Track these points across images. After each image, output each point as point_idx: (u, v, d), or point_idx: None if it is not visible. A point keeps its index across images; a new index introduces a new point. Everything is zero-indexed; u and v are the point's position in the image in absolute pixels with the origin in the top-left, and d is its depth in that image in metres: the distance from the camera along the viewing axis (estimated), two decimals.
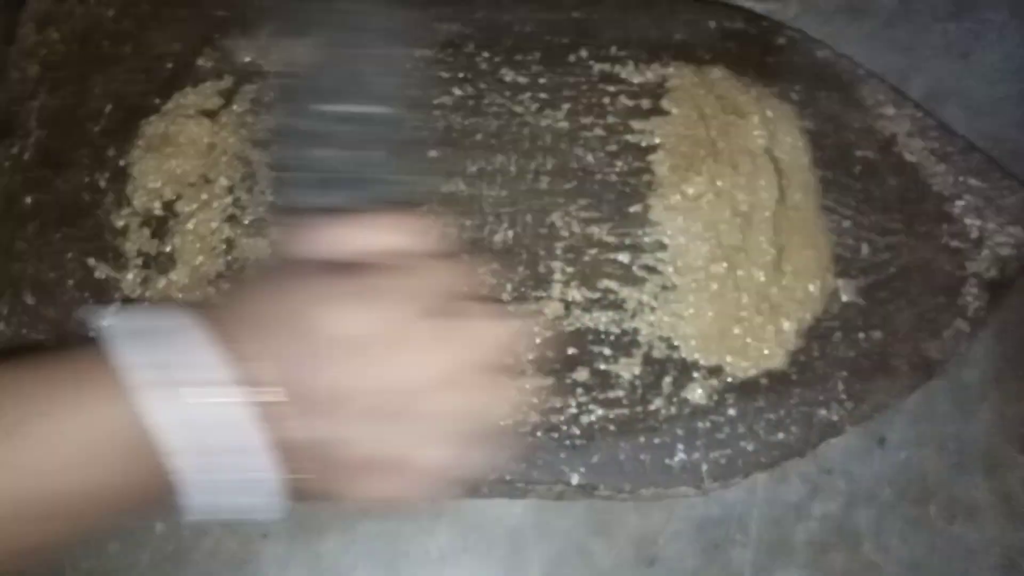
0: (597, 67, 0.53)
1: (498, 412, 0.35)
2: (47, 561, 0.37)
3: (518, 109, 0.52)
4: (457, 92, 0.52)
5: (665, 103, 0.53)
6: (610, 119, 0.52)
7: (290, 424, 0.31)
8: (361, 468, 0.33)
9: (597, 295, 0.49)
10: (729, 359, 0.48)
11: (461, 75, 0.53)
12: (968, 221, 0.52)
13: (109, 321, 0.33)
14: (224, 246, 0.49)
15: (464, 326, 0.34)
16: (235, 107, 0.52)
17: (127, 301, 0.48)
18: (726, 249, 0.50)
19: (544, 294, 0.49)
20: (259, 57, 0.53)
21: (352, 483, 0.33)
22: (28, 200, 0.49)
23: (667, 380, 0.48)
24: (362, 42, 0.43)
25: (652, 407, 0.47)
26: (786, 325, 0.49)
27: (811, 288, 0.50)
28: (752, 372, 0.48)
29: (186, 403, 0.31)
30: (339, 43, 0.43)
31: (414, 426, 0.33)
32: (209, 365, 0.31)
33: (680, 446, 0.47)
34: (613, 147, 0.52)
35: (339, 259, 0.35)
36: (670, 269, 0.49)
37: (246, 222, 0.50)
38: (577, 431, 0.47)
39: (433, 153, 0.51)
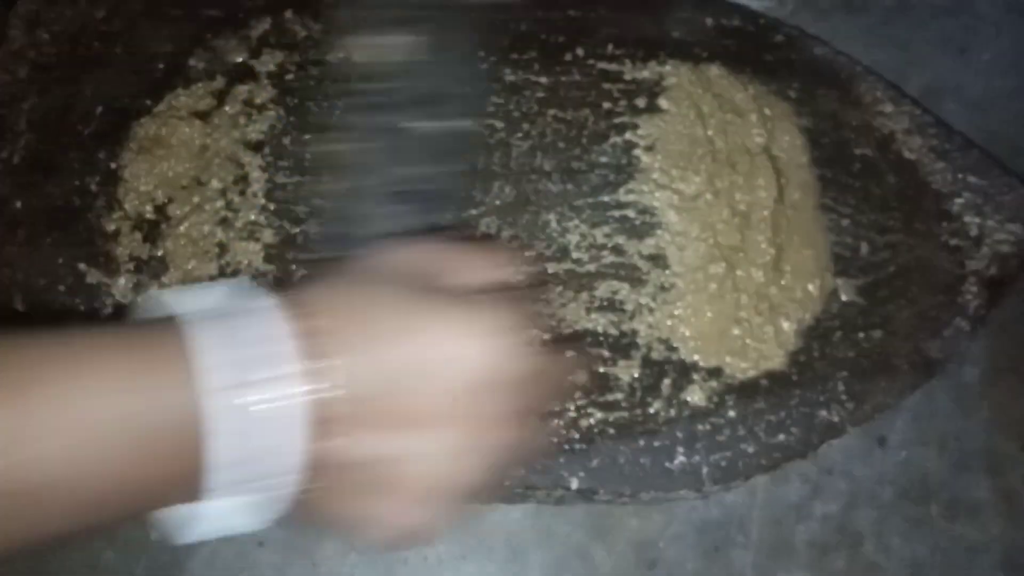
0: (594, 65, 0.53)
1: (533, 450, 0.34)
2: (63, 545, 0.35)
3: (514, 108, 0.52)
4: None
5: (662, 101, 0.52)
6: (607, 118, 0.52)
7: (337, 433, 0.29)
8: (371, 491, 0.31)
9: (595, 297, 0.49)
10: (728, 360, 0.48)
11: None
12: (967, 219, 0.52)
13: (184, 302, 0.31)
14: (217, 250, 0.48)
15: (550, 364, 0.33)
16: (227, 108, 0.51)
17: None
18: (724, 249, 0.49)
19: (541, 295, 0.49)
20: (251, 57, 0.52)
21: (355, 505, 0.32)
22: (18, 204, 0.48)
23: (666, 382, 0.47)
24: (449, 52, 0.41)
25: (651, 410, 0.47)
26: (786, 325, 0.49)
27: (810, 288, 0.49)
28: (752, 373, 0.48)
29: (251, 405, 0.28)
30: (425, 51, 0.41)
31: (474, 456, 0.32)
32: (284, 358, 0.29)
33: (680, 449, 0.47)
34: (610, 146, 0.51)
35: (433, 273, 0.33)
36: (668, 270, 0.49)
37: (239, 225, 0.49)
38: (576, 435, 0.46)
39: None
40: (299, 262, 0.48)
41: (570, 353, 0.34)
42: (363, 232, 0.39)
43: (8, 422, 0.27)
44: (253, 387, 0.28)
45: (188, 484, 0.29)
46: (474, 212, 0.50)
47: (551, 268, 0.49)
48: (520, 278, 0.35)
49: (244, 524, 0.31)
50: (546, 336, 0.34)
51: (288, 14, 0.53)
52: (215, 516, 0.30)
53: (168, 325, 0.29)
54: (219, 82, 0.52)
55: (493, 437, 0.32)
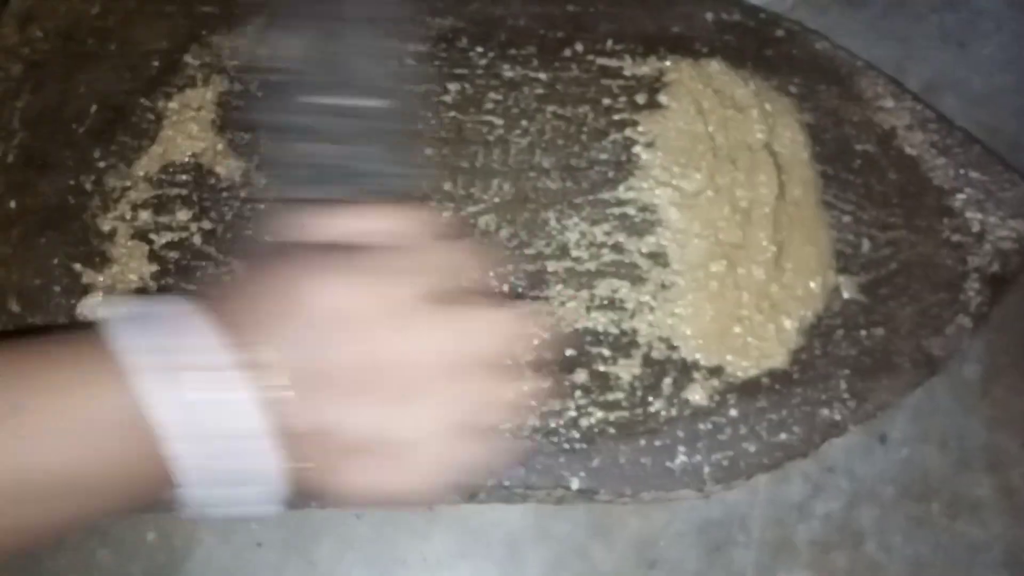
0: (593, 61, 0.52)
1: (498, 411, 0.35)
2: (47, 547, 0.36)
3: (513, 105, 0.51)
4: (451, 87, 0.51)
5: (662, 97, 0.52)
6: (606, 114, 0.51)
7: (291, 409, 0.31)
8: (358, 455, 0.32)
9: (595, 295, 0.48)
10: (730, 359, 0.48)
11: (454, 70, 0.52)
12: (969, 215, 0.52)
13: (108, 308, 0.32)
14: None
15: (468, 314, 0.33)
16: (223, 104, 0.51)
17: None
18: (725, 247, 0.49)
19: (541, 293, 0.48)
20: (248, 52, 0.52)
21: (348, 473, 0.32)
22: (12, 204, 0.48)
23: (667, 381, 0.47)
24: (354, 34, 0.42)
25: (652, 409, 0.47)
26: (787, 323, 0.48)
27: (812, 285, 0.49)
28: (753, 372, 0.48)
29: (186, 389, 0.30)
30: (331, 35, 0.42)
31: (414, 413, 0.32)
32: (211, 349, 0.30)
33: (681, 448, 0.46)
34: (610, 143, 0.51)
35: (331, 243, 0.34)
36: (669, 268, 0.49)
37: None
38: (576, 434, 0.46)
39: (428, 149, 0.50)
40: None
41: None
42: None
43: None
44: (181, 371, 0.30)
45: (157, 473, 0.30)
46: (472, 209, 0.49)
47: (551, 266, 0.49)
48: (427, 232, 0.35)
49: (251, 503, 0.32)
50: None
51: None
52: (218, 500, 0.32)
53: (97, 331, 0.31)
54: (215, 78, 0.51)
55: (441, 385, 0.33)
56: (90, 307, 0.33)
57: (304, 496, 0.34)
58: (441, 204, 0.49)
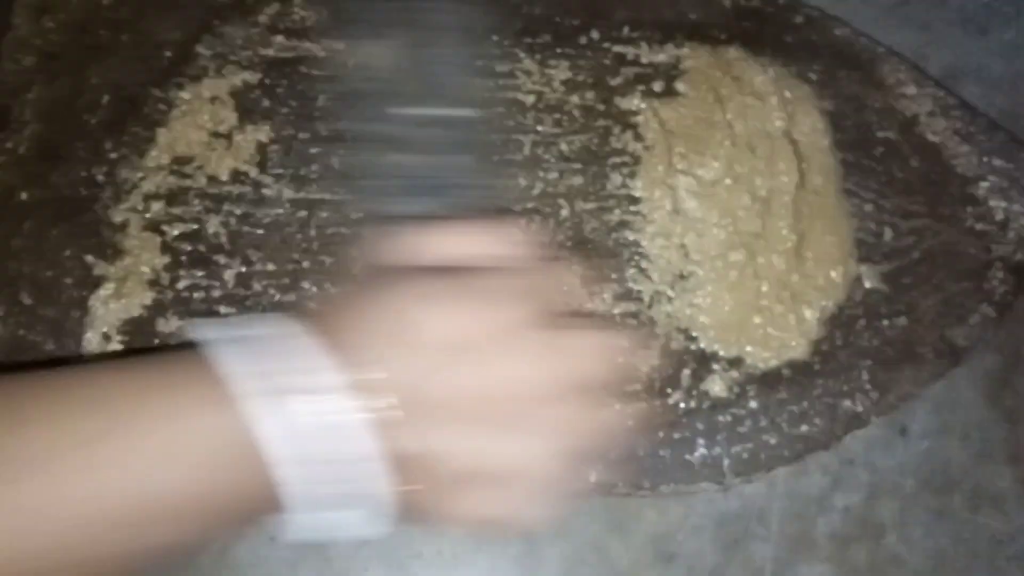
0: (609, 49, 0.52)
1: (604, 436, 0.34)
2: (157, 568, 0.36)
3: (529, 93, 0.51)
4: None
5: (680, 85, 0.51)
6: (623, 102, 0.51)
7: (402, 433, 0.30)
8: (467, 481, 0.32)
9: (612, 285, 0.48)
10: (749, 350, 0.47)
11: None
12: (993, 203, 0.51)
13: (213, 330, 0.32)
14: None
15: (574, 338, 0.33)
16: (236, 95, 0.50)
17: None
18: (744, 236, 0.48)
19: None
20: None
21: (456, 499, 0.32)
22: (24, 196, 0.48)
23: (686, 372, 0.47)
24: (440, 42, 0.42)
25: (671, 401, 0.46)
26: (808, 314, 0.48)
27: (833, 275, 0.48)
28: (773, 363, 0.47)
29: (295, 412, 0.30)
30: (417, 44, 0.41)
31: (523, 440, 0.32)
32: (319, 371, 0.30)
33: (701, 441, 0.46)
34: (626, 131, 0.50)
35: (434, 265, 0.34)
36: (687, 258, 0.48)
37: None
38: None
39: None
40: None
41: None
42: (375, 224, 0.39)
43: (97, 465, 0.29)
44: (290, 394, 0.30)
45: (265, 498, 0.30)
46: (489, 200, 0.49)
47: (563, 251, 0.48)
48: (527, 252, 0.35)
49: (356, 527, 0.32)
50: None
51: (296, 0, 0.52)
52: (324, 525, 0.32)
53: (195, 354, 0.31)
54: (228, 70, 0.51)
55: (550, 412, 0.32)
56: (194, 328, 0.32)
57: (409, 520, 0.33)
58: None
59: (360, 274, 0.35)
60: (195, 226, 0.48)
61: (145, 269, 0.47)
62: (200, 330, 0.32)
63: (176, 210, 0.48)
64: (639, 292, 0.48)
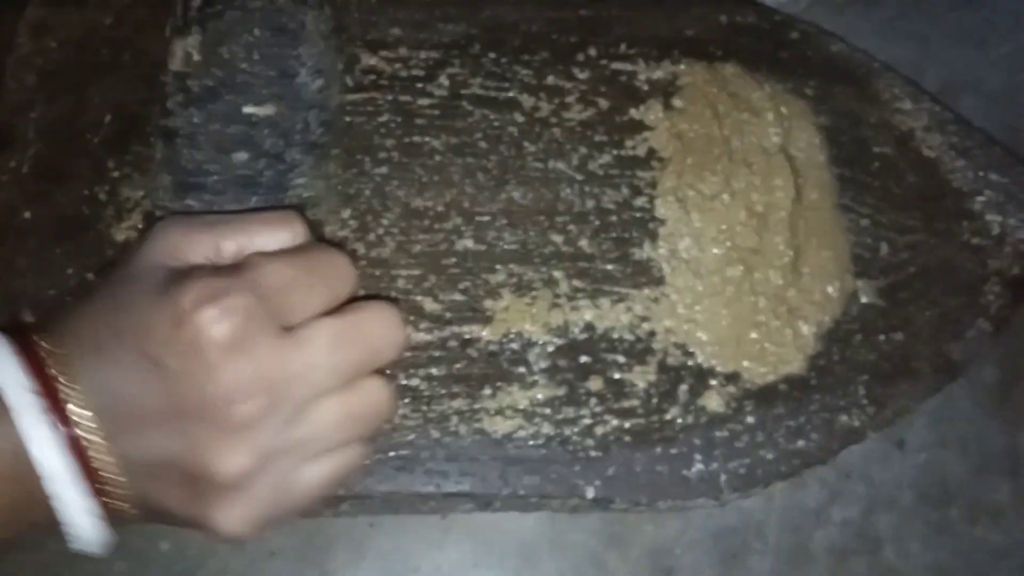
0: (607, 66, 0.52)
1: (382, 417, 0.35)
2: None
3: (526, 110, 0.51)
4: (464, 93, 0.51)
5: (677, 101, 0.51)
6: (620, 118, 0.51)
7: (103, 447, 0.31)
8: (233, 487, 0.32)
9: (608, 300, 0.48)
10: (746, 365, 0.47)
11: (467, 76, 0.51)
12: (989, 217, 0.51)
13: None
14: None
15: (358, 324, 0.33)
16: None
17: None
18: (741, 251, 0.48)
19: (555, 300, 0.48)
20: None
21: (220, 507, 0.32)
22: (27, 215, 0.48)
23: (683, 388, 0.47)
24: (281, 43, 0.42)
25: (668, 416, 0.46)
26: (804, 329, 0.48)
27: (830, 290, 0.49)
28: (770, 378, 0.47)
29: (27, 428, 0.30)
30: (265, 45, 0.42)
31: (303, 437, 0.32)
32: (17, 388, 0.31)
33: (698, 456, 0.46)
34: (624, 147, 0.51)
35: (223, 262, 0.34)
36: (684, 273, 0.48)
37: None
38: (591, 442, 0.46)
39: (438, 157, 0.50)
40: None
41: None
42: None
43: None
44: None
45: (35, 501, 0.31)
46: (485, 219, 0.49)
47: (563, 271, 0.48)
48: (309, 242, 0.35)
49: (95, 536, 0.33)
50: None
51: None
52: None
53: None
54: None
55: (338, 399, 0.33)
56: None
57: (188, 526, 0.34)
58: (449, 214, 0.49)
59: (114, 275, 0.36)
60: None
61: None
62: None
63: None
64: (636, 307, 0.48)
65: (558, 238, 0.49)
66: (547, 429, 0.46)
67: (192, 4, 0.44)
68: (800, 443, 0.47)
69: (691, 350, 0.47)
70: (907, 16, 0.58)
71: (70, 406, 0.31)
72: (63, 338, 0.33)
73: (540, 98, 0.51)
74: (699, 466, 0.46)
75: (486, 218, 0.49)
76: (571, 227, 0.49)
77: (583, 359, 0.47)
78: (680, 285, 0.48)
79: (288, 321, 0.32)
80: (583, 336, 0.47)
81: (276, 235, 0.35)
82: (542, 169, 0.50)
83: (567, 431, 0.46)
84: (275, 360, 0.31)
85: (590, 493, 0.45)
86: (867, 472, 0.49)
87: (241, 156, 0.41)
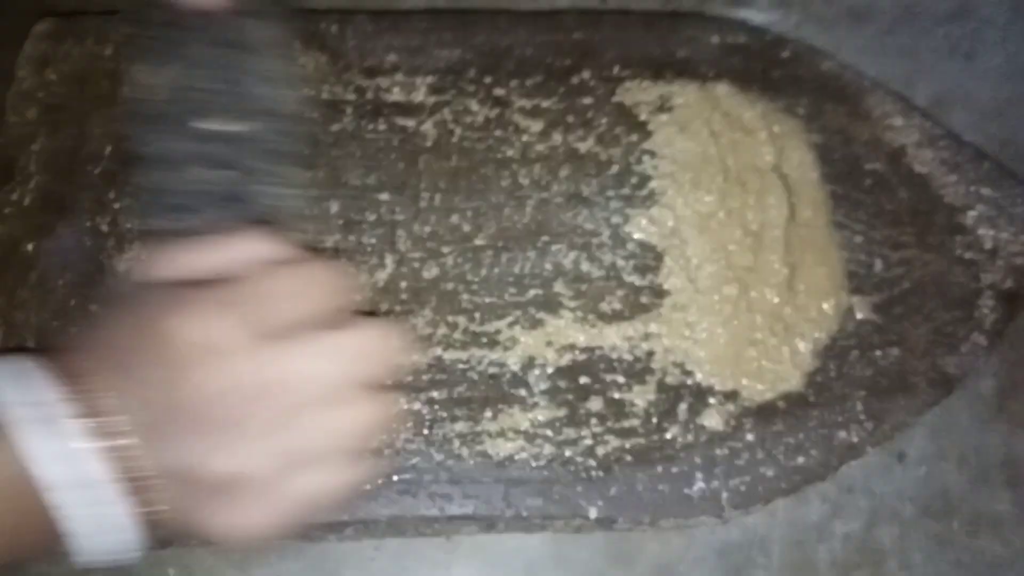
0: (600, 88, 0.53)
1: (373, 433, 0.34)
2: None
3: (522, 134, 0.52)
4: (459, 118, 0.52)
5: (670, 122, 0.52)
6: (615, 140, 0.52)
7: (135, 454, 0.31)
8: (227, 492, 0.32)
9: (607, 320, 0.48)
10: (745, 383, 0.48)
11: (463, 100, 0.52)
12: (981, 231, 0.52)
13: None
14: None
15: (347, 338, 0.33)
16: None
17: None
18: (737, 270, 0.49)
19: (554, 322, 0.48)
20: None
21: (216, 512, 0.32)
22: (30, 247, 0.48)
23: (682, 407, 0.47)
24: (235, 58, 0.42)
25: (668, 435, 0.47)
26: (801, 345, 0.48)
27: (825, 307, 0.49)
28: (769, 395, 0.48)
29: (25, 442, 0.30)
30: (211, 60, 0.42)
31: (284, 443, 0.32)
32: (48, 404, 0.31)
33: (699, 474, 0.46)
34: (618, 168, 0.51)
35: (200, 278, 0.34)
36: (681, 292, 0.49)
37: None
38: (593, 463, 0.46)
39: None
40: None
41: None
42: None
43: None
44: (20, 421, 0.30)
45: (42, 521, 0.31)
46: (480, 242, 0.49)
47: (561, 292, 0.49)
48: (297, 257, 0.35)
49: (115, 550, 0.32)
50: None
51: (296, 46, 0.53)
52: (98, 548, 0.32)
53: None
54: None
55: (329, 411, 0.32)
56: None
57: (180, 536, 0.34)
58: (447, 238, 0.49)
59: (120, 292, 0.36)
60: None
61: None
62: None
63: None
64: (634, 327, 0.48)
65: (555, 260, 0.49)
66: (549, 450, 0.46)
67: (133, 31, 0.44)
68: (800, 459, 0.47)
69: (690, 369, 0.48)
70: (897, 31, 0.58)
71: (105, 417, 0.31)
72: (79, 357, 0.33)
73: (535, 121, 0.52)
74: (700, 484, 0.46)
75: (483, 241, 0.49)
76: (568, 249, 0.50)
77: (583, 380, 0.47)
78: (677, 304, 0.49)
79: (272, 330, 0.33)
80: (582, 357, 0.48)
81: (255, 249, 0.35)
82: (539, 191, 0.51)
83: (568, 452, 0.46)
84: (254, 367, 0.32)
85: (593, 513, 0.46)
86: (868, 486, 0.49)
87: (202, 172, 0.41)
